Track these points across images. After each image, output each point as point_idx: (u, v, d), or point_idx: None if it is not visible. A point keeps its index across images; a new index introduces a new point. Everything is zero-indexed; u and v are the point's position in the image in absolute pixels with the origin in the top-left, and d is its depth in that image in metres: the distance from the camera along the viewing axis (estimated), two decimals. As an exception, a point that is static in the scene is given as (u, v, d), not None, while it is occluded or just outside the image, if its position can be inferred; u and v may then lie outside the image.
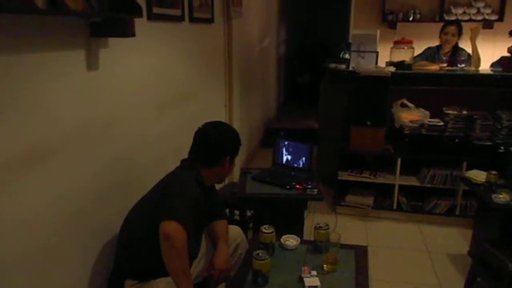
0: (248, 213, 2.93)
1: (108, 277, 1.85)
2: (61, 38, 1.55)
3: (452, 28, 4.00)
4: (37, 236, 1.49)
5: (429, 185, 3.46)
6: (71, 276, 1.70)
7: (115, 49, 1.87)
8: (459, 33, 4.01)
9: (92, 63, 1.72)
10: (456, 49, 4.03)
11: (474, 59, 3.91)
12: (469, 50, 3.95)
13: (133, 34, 1.72)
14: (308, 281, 1.73)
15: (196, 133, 1.95)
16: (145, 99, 2.23)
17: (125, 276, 1.77)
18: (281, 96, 7.60)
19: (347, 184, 3.69)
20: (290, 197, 2.56)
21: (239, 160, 3.80)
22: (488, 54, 4.25)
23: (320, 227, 2.00)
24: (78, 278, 1.75)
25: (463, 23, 4.14)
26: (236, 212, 2.99)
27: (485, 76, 3.63)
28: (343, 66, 3.88)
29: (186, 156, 1.96)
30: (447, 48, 4.06)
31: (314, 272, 1.78)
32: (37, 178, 1.47)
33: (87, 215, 1.76)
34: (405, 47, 3.82)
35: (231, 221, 2.56)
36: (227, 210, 2.85)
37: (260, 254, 1.75)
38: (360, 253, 2.01)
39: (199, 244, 1.99)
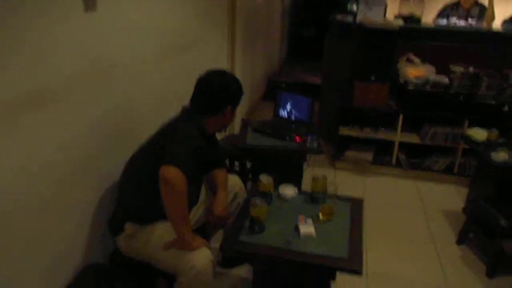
0: (248, 165, 2.95)
1: (109, 219, 1.89)
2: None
3: None
4: (43, 179, 1.52)
5: (429, 143, 3.47)
6: (75, 216, 1.75)
7: (114, -10, 1.80)
8: None
9: (89, 4, 1.66)
10: (477, 5, 3.92)
11: (487, 15, 3.78)
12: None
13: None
14: (303, 229, 1.77)
15: (198, 80, 1.91)
16: (145, 43, 2.18)
17: (126, 218, 1.80)
18: (285, 49, 7.43)
19: (347, 139, 3.70)
20: (289, 149, 2.57)
21: (240, 112, 3.79)
22: (501, 12, 4.11)
23: (318, 178, 2.02)
24: (81, 218, 1.80)
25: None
26: (236, 163, 3.01)
27: (495, 33, 3.52)
28: (350, 19, 3.76)
29: (187, 103, 1.95)
30: (467, 5, 3.93)
31: (309, 221, 1.82)
32: (42, 123, 1.48)
33: (91, 159, 1.79)
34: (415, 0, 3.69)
35: (231, 172, 2.58)
36: (227, 161, 2.87)
37: (257, 201, 1.77)
38: (356, 206, 2.04)
39: (199, 191, 2.02)
